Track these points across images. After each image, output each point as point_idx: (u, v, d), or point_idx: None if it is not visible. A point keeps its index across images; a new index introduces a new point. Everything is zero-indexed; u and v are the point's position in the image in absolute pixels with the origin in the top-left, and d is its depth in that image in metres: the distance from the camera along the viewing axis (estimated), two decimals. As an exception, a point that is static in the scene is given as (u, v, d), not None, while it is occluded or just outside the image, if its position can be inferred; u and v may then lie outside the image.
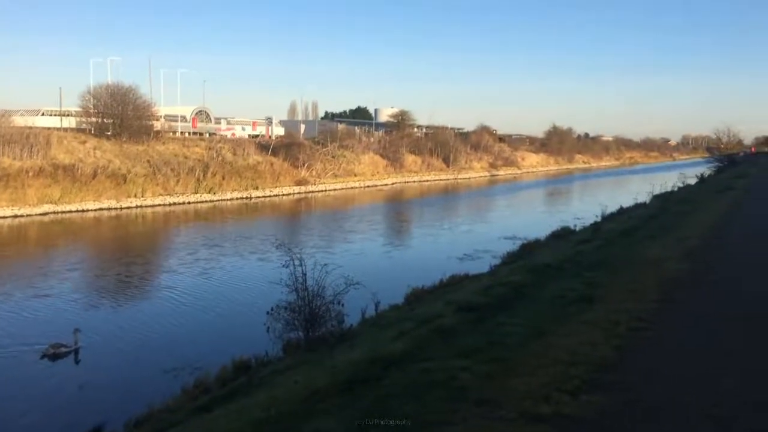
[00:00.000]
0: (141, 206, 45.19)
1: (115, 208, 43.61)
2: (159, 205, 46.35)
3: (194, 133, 69.07)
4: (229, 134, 70.06)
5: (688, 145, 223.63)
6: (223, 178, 53.15)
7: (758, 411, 5.01)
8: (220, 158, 55.42)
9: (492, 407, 5.08)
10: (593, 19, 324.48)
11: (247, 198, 53.09)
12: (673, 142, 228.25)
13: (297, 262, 12.86)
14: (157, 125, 58.16)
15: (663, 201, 29.66)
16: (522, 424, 4.78)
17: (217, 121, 76.63)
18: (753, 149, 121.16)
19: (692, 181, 47.76)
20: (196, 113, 73.49)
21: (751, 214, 20.82)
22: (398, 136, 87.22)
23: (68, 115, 57.86)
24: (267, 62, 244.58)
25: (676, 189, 39.94)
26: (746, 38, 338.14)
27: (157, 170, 49.00)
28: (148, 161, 49.77)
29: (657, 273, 10.63)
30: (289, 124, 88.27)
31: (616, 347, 6.63)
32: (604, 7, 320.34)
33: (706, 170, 61.64)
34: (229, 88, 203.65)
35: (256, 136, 75.87)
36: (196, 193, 50.03)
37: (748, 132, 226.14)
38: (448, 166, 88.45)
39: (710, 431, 4.70)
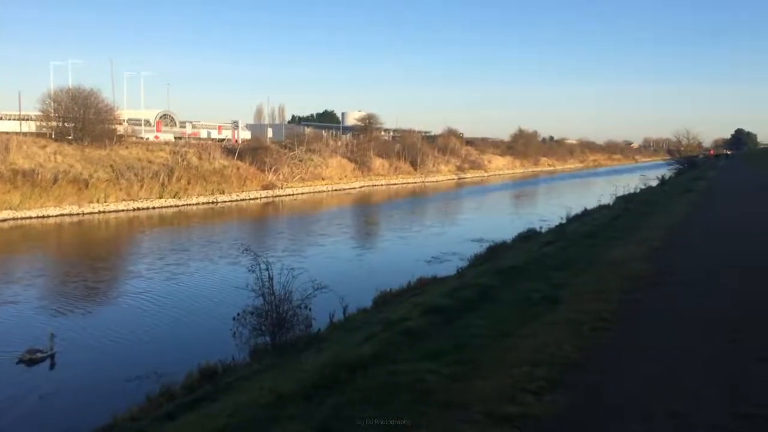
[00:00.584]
0: (104, 212, 44.36)
1: (77, 214, 42.73)
2: (122, 210, 45.55)
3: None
4: (152, 136, 66.64)
5: (649, 147, 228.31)
6: (189, 183, 52.52)
7: (718, 408, 5.12)
8: (185, 162, 54.77)
9: (458, 409, 5.10)
10: (557, 24, 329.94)
11: (213, 202, 52.53)
12: (635, 145, 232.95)
13: (263, 267, 12.80)
14: (120, 129, 57.19)
15: (625, 203, 30.21)
16: (487, 426, 4.81)
17: (182, 125, 75.70)
18: (711, 152, 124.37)
19: (654, 183, 48.76)
20: (161, 117, 72.46)
21: (709, 216, 21.33)
22: (366, 140, 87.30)
23: (28, 120, 56.60)
24: (233, 65, 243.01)
25: (638, 191, 40.73)
26: (705, 44, 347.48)
27: (120, 175, 48.18)
28: (111, 166, 48.90)
29: (620, 273, 10.81)
30: (256, 128, 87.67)
31: (580, 347, 6.72)
32: (568, 14, 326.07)
33: (667, 172, 63.01)
34: (194, 92, 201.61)
35: (222, 139, 75.16)
36: (160, 198, 49.31)
37: (707, 135, 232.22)
38: (415, 170, 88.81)
39: (672, 428, 4.79)
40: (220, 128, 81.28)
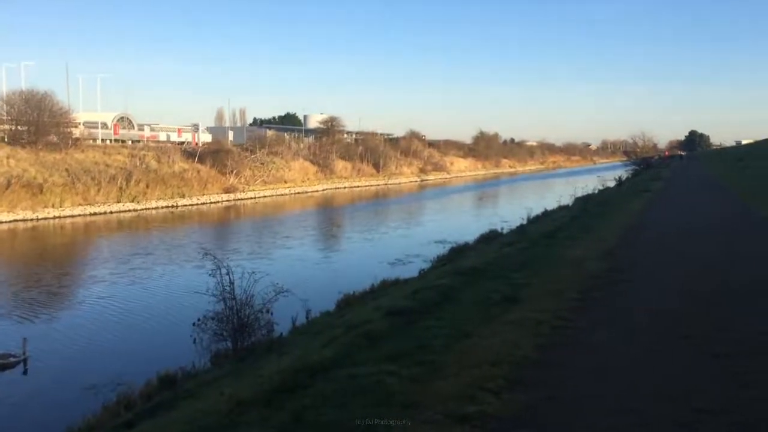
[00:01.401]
0: (59, 217, 43.28)
1: (32, 220, 41.59)
2: (79, 215, 44.51)
3: (116, 141, 66.85)
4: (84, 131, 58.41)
5: (607, 149, 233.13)
6: (147, 187, 51.62)
7: (670, 402, 5.26)
8: (143, 166, 53.83)
9: (418, 410, 5.12)
10: (516, 27, 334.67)
11: (173, 206, 51.74)
12: (593, 147, 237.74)
13: (224, 271, 12.68)
14: (76, 132, 55.89)
15: (584, 203, 30.79)
16: (447, 425, 4.84)
17: (140, 127, 74.35)
18: (666, 153, 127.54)
19: (611, 184, 49.79)
20: (118, 120, 71.04)
21: (665, 215, 21.88)
22: (328, 142, 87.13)
23: (-21, 123, 54.85)
24: (193, 68, 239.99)
25: (596, 192, 41.49)
26: (660, 47, 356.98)
27: (76, 179, 47.06)
28: (67, 170, 47.75)
29: (578, 272, 11.00)
30: (217, 131, 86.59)
31: (538, 346, 6.81)
32: (525, 18, 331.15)
33: (623, 173, 64.35)
34: (153, 95, 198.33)
35: (182, 142, 74.08)
36: (118, 202, 48.36)
37: (662, 136, 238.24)
38: (378, 172, 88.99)
39: (625, 423, 4.89)
40: (179, 131, 80.00)
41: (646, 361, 6.34)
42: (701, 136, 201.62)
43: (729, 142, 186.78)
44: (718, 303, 8.61)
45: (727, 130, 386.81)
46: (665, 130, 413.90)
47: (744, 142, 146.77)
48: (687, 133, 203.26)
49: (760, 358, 6.26)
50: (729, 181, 38.63)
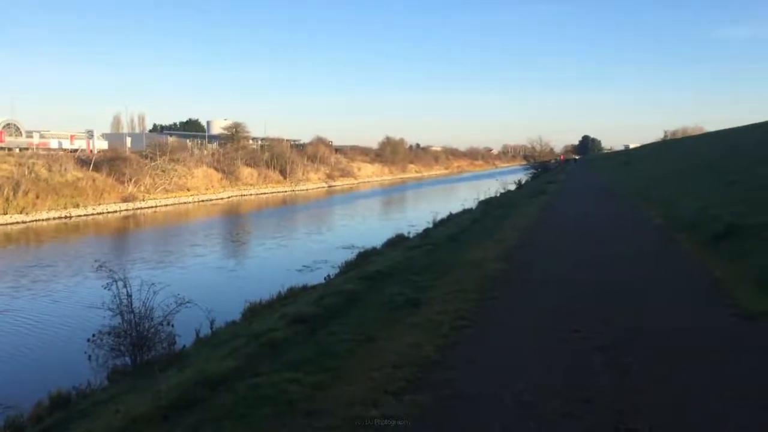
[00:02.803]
0: (-63, 231, 40.02)
1: None
2: (-41, 228, 41.35)
3: (2, 149, 62.60)
4: None
5: (508, 153, 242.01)
6: (38, 197, 48.72)
7: (562, 395, 5.53)
8: (32, 175, 50.76)
9: (320, 417, 5.13)
10: (420, 36, 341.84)
11: (66, 217, 49.06)
12: (495, 151, 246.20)
13: (121, 283, 12.17)
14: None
15: (486, 206, 31.75)
16: (349, 430, 4.88)
17: (29, 134, 70.04)
18: (562, 157, 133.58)
19: (512, 187, 51.70)
20: (4, 126, 66.59)
21: (559, 217, 22.92)
22: (233, 149, 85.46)
23: None
24: (87, 72, 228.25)
25: (498, 195, 42.89)
26: (554, 59, 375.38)
27: (-44, 190, 43.73)
28: (-55, 180, 44.29)
29: (478, 273, 11.35)
30: (114, 138, 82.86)
31: (439, 346, 6.98)
32: (430, 26, 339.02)
33: (523, 177, 67.01)
34: (43, 101, 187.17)
35: (76, 150, 70.37)
36: (5, 213, 45.29)
37: (558, 141, 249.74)
38: (285, 178, 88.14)
39: (520, 415, 5.11)
40: (72, 138, 75.91)
41: (541, 356, 6.64)
42: (593, 140, 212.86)
43: (618, 146, 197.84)
44: (604, 300, 9.10)
45: (617, 134, 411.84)
46: (561, 135, 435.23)
47: (632, 146, 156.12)
48: (581, 138, 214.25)
49: (636, 348, 6.71)
50: (617, 182, 41.05)
